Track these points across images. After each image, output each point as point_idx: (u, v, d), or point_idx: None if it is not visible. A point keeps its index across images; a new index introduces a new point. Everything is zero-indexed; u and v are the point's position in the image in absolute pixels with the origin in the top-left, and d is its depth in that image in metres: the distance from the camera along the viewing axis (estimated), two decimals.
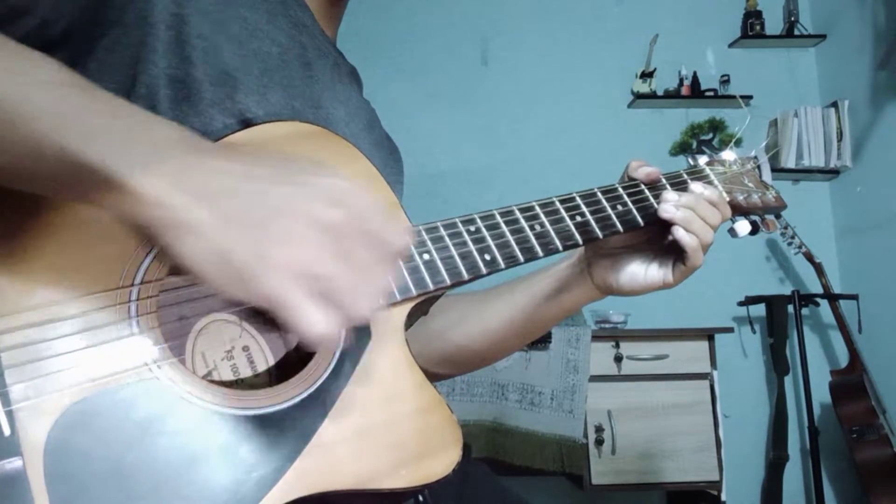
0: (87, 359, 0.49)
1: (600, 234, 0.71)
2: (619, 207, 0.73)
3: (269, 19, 0.70)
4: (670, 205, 0.72)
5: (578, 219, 0.70)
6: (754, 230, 0.80)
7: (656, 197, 0.74)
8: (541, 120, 3.21)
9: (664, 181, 0.77)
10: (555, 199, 0.71)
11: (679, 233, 0.72)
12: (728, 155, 0.86)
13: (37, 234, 0.50)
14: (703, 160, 0.84)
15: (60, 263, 0.50)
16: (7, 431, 0.45)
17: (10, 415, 0.45)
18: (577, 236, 0.69)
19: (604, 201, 0.72)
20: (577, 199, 0.71)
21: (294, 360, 0.63)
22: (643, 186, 0.75)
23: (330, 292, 0.46)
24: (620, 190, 0.74)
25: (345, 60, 0.83)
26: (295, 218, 0.45)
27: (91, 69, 0.61)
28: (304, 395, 0.55)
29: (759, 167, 0.87)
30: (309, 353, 0.59)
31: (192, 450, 0.50)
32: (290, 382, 0.56)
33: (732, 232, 0.80)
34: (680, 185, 0.77)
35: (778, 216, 0.85)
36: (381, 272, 0.48)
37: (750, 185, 0.84)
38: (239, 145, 0.49)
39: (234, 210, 0.45)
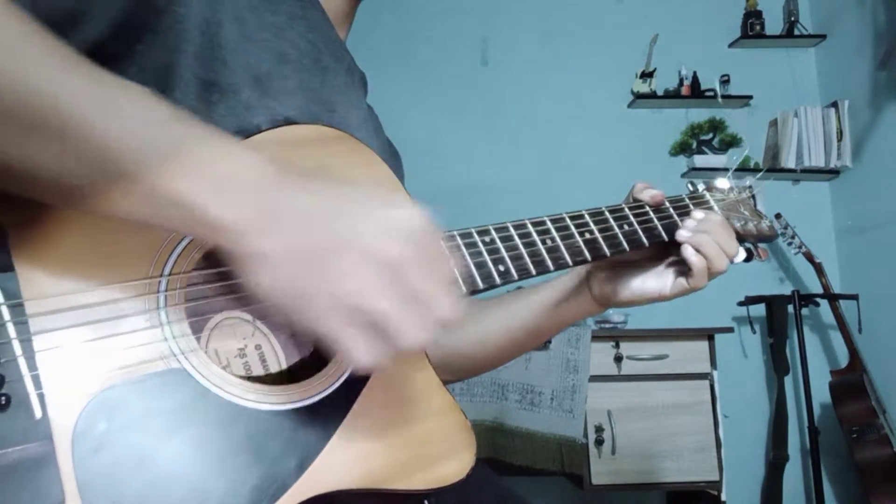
0: (116, 346, 0.49)
1: (608, 252, 0.73)
2: (626, 227, 0.75)
3: (289, 23, 0.71)
4: (686, 231, 0.75)
5: (587, 236, 0.73)
6: (749, 257, 0.83)
7: (660, 219, 0.78)
8: (541, 120, 3.21)
9: (667, 204, 0.80)
10: (565, 215, 0.73)
11: (688, 251, 0.74)
12: (722, 183, 0.89)
13: (66, 222, 0.50)
14: (701, 186, 0.87)
15: (90, 251, 0.50)
16: (38, 414, 0.45)
17: (41, 398, 0.45)
18: (586, 253, 0.72)
19: (611, 220, 0.75)
20: (586, 216, 0.74)
21: (307, 360, 0.63)
22: (648, 208, 0.78)
23: (381, 327, 0.47)
24: (627, 210, 0.77)
25: (356, 65, 0.83)
26: (357, 252, 0.47)
27: (130, 74, 0.61)
28: (326, 393, 0.56)
29: (753, 196, 0.90)
30: (325, 354, 0.59)
31: (217, 442, 0.50)
32: (314, 379, 0.56)
33: None
34: (682, 210, 0.80)
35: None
36: (440, 304, 0.49)
37: (746, 213, 0.87)
38: (308, 171, 0.51)
39: (304, 245, 0.47)
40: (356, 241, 0.47)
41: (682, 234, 0.75)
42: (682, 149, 3.25)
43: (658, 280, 0.77)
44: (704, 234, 0.74)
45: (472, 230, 0.67)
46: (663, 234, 0.77)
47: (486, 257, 0.66)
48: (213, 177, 0.46)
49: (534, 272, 0.69)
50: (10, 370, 0.45)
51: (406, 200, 0.51)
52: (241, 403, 0.52)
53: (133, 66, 0.62)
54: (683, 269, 0.76)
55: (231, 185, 0.47)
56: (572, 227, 0.72)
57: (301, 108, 0.69)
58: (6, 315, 0.46)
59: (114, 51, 0.61)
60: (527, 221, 0.71)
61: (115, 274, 0.51)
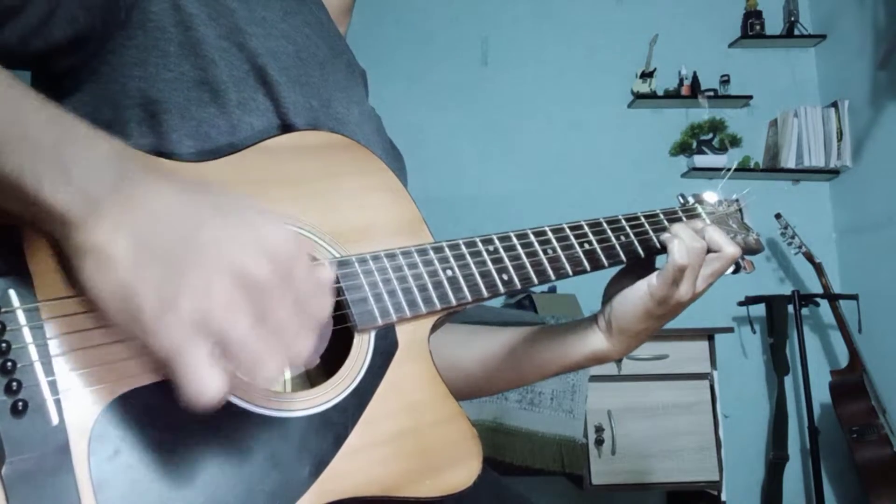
0: (131, 351, 0.48)
1: (606, 263, 0.74)
2: (623, 238, 0.77)
3: (285, 17, 0.70)
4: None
5: (587, 246, 0.74)
6: (737, 269, 0.84)
7: (655, 231, 0.79)
8: (541, 120, 3.21)
9: (661, 216, 0.81)
10: (565, 225, 0.74)
11: (663, 235, 0.75)
12: (710, 196, 0.90)
13: None
14: (691, 199, 0.88)
15: None
16: (55, 420, 0.45)
17: (57, 403, 0.45)
18: (586, 263, 0.73)
19: (609, 231, 0.76)
20: (585, 227, 0.75)
21: (317, 367, 0.64)
22: (643, 220, 0.79)
23: (229, 352, 0.43)
24: (624, 222, 0.78)
25: (356, 61, 0.83)
26: (216, 265, 0.42)
27: (102, 72, 0.61)
28: (338, 399, 0.56)
29: (740, 210, 0.91)
30: (328, 361, 0.59)
31: (232, 448, 0.50)
32: (324, 386, 0.57)
33: None
34: (675, 221, 0.81)
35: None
36: (293, 340, 0.45)
37: (734, 226, 0.88)
38: (183, 173, 0.49)
39: (153, 245, 0.42)
40: (218, 253, 0.42)
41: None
42: (682, 149, 3.25)
43: (646, 277, 0.75)
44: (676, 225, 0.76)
45: (476, 239, 0.68)
46: (657, 244, 0.78)
47: (491, 266, 0.67)
48: (56, 156, 0.43)
49: (536, 281, 0.69)
50: (26, 375, 0.44)
51: (280, 221, 0.46)
52: (255, 410, 0.52)
53: (105, 66, 0.61)
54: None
55: (77, 169, 0.43)
56: (572, 238, 0.73)
57: (298, 103, 0.68)
58: (22, 319, 0.45)
59: (84, 50, 0.60)
60: (528, 231, 0.72)
61: None
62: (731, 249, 0.75)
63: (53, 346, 0.46)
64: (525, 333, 0.82)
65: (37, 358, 0.45)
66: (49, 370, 0.45)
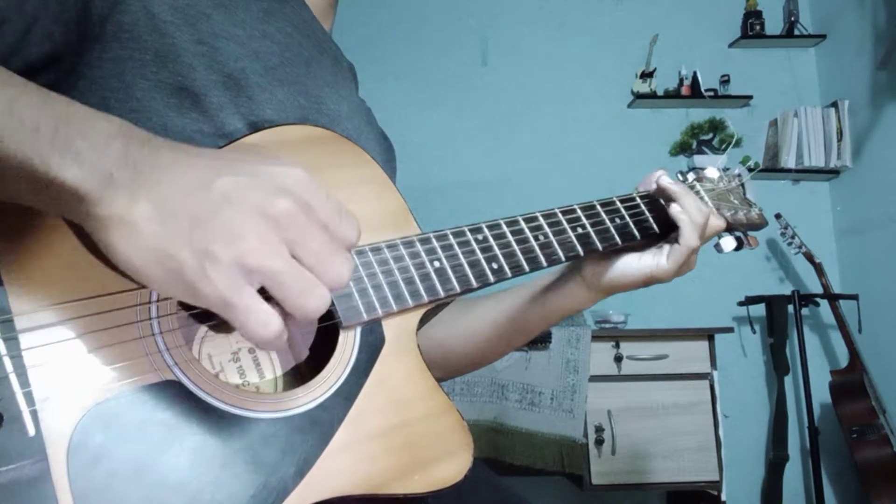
0: (109, 358, 0.48)
1: (600, 247, 0.73)
2: (618, 220, 0.75)
3: (265, 18, 0.70)
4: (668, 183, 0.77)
5: (579, 231, 0.72)
6: (739, 246, 0.83)
7: (651, 211, 0.77)
8: (541, 120, 3.21)
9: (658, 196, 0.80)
10: (557, 210, 0.72)
11: (674, 209, 0.75)
12: (711, 172, 0.88)
13: (53, 233, 0.49)
14: (691, 176, 0.86)
15: (79, 262, 0.49)
16: (32, 431, 0.44)
17: (34, 414, 0.45)
18: (579, 248, 0.72)
19: (603, 214, 0.75)
20: (578, 211, 0.74)
21: (302, 365, 0.63)
22: (639, 201, 0.78)
23: (276, 287, 0.44)
24: (618, 203, 0.77)
25: (343, 56, 0.83)
26: (239, 209, 0.43)
27: (80, 87, 0.60)
28: (323, 398, 0.56)
29: (743, 185, 0.89)
30: (319, 357, 0.59)
31: (213, 452, 0.50)
32: (309, 386, 0.56)
33: (718, 247, 0.82)
34: (671, 202, 0.80)
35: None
36: (331, 264, 0.46)
37: (735, 202, 0.86)
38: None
39: (174, 204, 0.43)
40: (238, 197, 0.44)
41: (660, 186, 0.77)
42: (682, 149, 3.25)
43: (653, 257, 0.76)
44: (685, 197, 0.76)
45: (465, 228, 0.66)
46: (654, 226, 0.76)
47: (479, 255, 0.66)
48: (60, 136, 0.42)
49: (527, 269, 0.68)
50: (1, 388, 0.44)
51: (288, 162, 0.47)
52: (237, 413, 0.51)
53: (82, 80, 0.60)
54: (673, 242, 0.76)
55: (83, 144, 0.42)
56: (564, 223, 0.72)
57: (284, 102, 0.67)
58: None
59: (60, 66, 0.59)
60: (519, 218, 0.70)
61: (105, 285, 0.50)
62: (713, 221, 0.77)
63: (29, 358, 0.45)
64: (506, 301, 0.82)
65: (11, 369, 0.45)
66: (24, 381, 0.45)
